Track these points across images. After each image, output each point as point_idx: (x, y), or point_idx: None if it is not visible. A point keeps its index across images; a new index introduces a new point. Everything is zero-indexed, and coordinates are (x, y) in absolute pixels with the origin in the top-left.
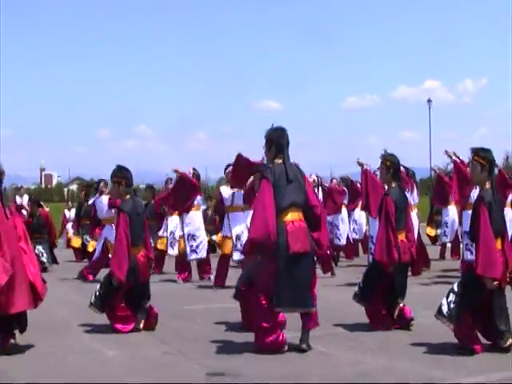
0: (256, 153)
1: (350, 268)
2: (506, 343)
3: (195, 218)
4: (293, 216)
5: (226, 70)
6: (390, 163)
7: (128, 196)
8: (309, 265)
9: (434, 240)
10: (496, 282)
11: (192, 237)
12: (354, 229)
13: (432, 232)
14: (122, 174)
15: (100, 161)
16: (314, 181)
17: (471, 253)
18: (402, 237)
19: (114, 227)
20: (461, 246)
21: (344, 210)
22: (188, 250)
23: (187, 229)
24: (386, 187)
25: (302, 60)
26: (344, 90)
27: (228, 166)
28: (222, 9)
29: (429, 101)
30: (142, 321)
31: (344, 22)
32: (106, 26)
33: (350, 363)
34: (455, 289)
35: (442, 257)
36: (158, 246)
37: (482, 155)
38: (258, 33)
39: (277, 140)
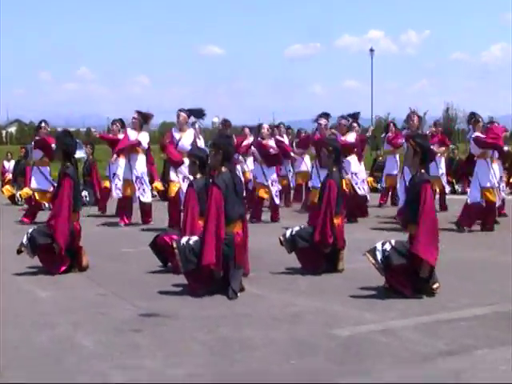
0: (198, 98)
1: (295, 213)
2: (433, 285)
3: (142, 162)
4: (240, 227)
5: (171, 12)
6: (333, 148)
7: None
8: None
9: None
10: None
11: (140, 180)
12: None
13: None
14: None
15: (40, 103)
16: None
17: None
18: (338, 221)
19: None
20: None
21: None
22: (137, 193)
23: (135, 172)
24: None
25: (246, 5)
26: (287, 37)
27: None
28: None
29: (371, 50)
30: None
31: None
32: None
33: (282, 304)
34: (393, 242)
35: (381, 203)
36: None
37: (417, 141)
38: None
39: (225, 147)
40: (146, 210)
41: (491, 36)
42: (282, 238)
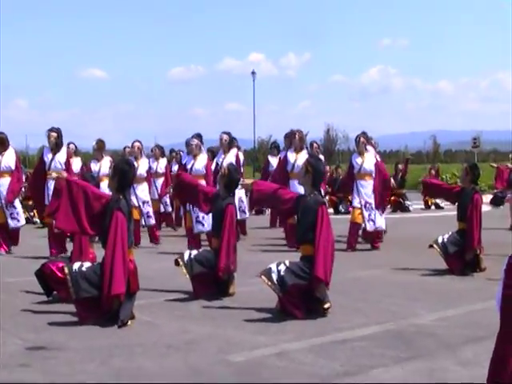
0: (79, 121)
1: (174, 238)
2: (324, 306)
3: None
4: (132, 254)
5: (50, 34)
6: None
7: None
8: None
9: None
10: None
11: (10, 204)
12: None
13: None
14: None
15: None
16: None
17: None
18: None
19: None
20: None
21: None
22: (9, 218)
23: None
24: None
25: (127, 28)
26: (169, 60)
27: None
28: None
29: (253, 73)
30: None
31: None
32: None
33: (175, 332)
34: (287, 263)
35: (273, 225)
36: None
37: (311, 162)
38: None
39: (125, 174)
40: (15, 234)
41: (369, 59)
42: (179, 260)
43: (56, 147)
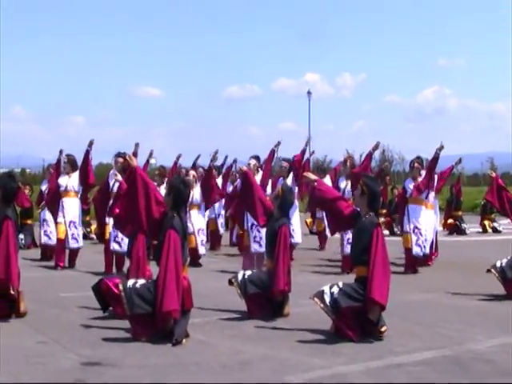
0: (134, 139)
1: (228, 257)
2: (381, 329)
3: (73, 206)
4: (186, 271)
5: (107, 52)
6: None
7: None
8: None
9: (312, 229)
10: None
11: (73, 224)
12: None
13: (310, 221)
14: None
15: None
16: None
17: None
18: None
19: None
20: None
21: None
22: (69, 237)
23: (68, 216)
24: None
25: (182, 47)
26: (225, 78)
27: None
28: None
29: (309, 93)
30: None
31: (226, 12)
32: None
33: (229, 352)
34: (340, 285)
35: (323, 247)
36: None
37: (366, 181)
38: (138, 17)
39: (180, 192)
40: (73, 255)
41: (425, 80)
42: (233, 280)
43: (123, 172)
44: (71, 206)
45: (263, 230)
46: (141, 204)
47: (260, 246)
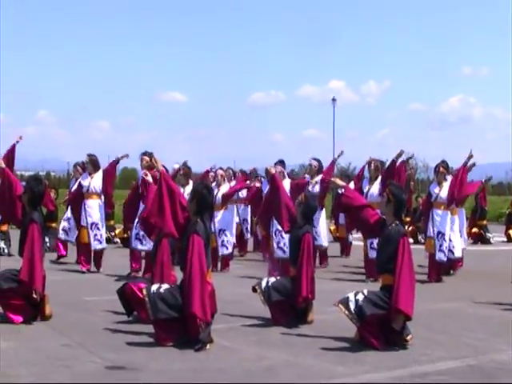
0: (159, 144)
1: (253, 262)
2: (406, 337)
3: (96, 207)
4: (210, 276)
5: (132, 57)
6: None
7: None
8: None
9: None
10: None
11: (95, 226)
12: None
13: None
14: None
15: None
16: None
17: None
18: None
19: None
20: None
21: None
22: (92, 239)
23: (91, 219)
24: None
25: (208, 52)
26: (250, 85)
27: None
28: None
29: (333, 100)
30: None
31: (250, 18)
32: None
33: (253, 358)
34: (365, 292)
35: (347, 254)
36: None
37: (393, 191)
38: (164, 21)
39: (203, 197)
40: (97, 257)
41: (449, 88)
42: (257, 287)
43: (149, 170)
44: (94, 208)
45: (287, 236)
46: (166, 208)
47: (283, 252)
